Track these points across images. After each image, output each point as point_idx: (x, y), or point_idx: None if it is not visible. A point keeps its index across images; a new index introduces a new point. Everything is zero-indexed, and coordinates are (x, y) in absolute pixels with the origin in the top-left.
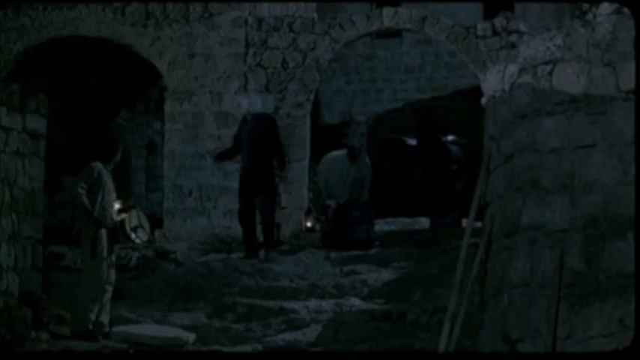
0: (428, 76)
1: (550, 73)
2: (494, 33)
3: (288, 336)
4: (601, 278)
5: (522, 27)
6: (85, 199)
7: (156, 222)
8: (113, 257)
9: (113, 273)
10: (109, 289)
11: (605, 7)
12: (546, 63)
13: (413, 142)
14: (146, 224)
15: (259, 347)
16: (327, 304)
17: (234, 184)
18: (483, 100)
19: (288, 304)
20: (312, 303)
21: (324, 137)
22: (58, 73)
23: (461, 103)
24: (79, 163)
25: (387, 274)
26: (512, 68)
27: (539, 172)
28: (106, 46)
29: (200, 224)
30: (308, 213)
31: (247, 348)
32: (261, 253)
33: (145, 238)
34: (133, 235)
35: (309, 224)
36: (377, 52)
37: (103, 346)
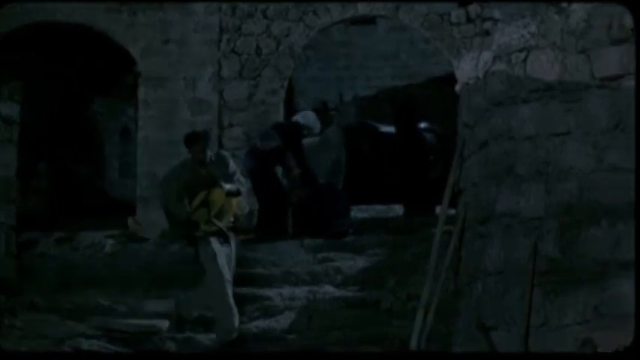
0: (403, 63)
1: (524, 61)
2: (469, 20)
3: (261, 323)
4: (576, 266)
5: (497, 14)
6: None
7: (129, 209)
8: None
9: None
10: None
11: None
12: (520, 50)
13: (387, 128)
14: None
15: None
16: (301, 292)
17: None
18: (458, 87)
19: (262, 292)
20: (286, 290)
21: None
22: (32, 60)
23: (435, 90)
24: (53, 150)
25: (361, 262)
26: (487, 55)
27: (514, 159)
28: (81, 32)
29: None
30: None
31: None
32: None
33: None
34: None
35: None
36: (352, 39)
37: (78, 333)
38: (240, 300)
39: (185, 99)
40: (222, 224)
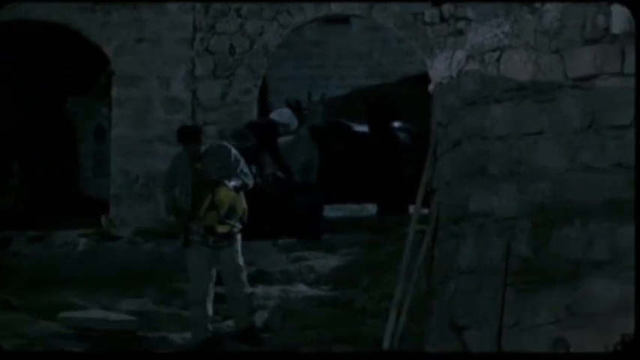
0: (376, 63)
1: (498, 60)
2: (442, 19)
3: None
4: (548, 265)
5: (470, 14)
6: None
7: (103, 207)
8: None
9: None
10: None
11: None
12: (494, 50)
13: (360, 128)
14: None
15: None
16: (275, 291)
17: None
18: (431, 87)
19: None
20: (260, 289)
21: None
22: (6, 59)
23: (409, 89)
24: (27, 149)
25: (334, 261)
26: (460, 55)
27: (487, 158)
28: (55, 31)
29: (147, 209)
30: None
31: None
32: None
33: None
34: None
35: None
36: (325, 38)
37: (51, 332)
38: (214, 299)
39: (159, 98)
40: (234, 223)
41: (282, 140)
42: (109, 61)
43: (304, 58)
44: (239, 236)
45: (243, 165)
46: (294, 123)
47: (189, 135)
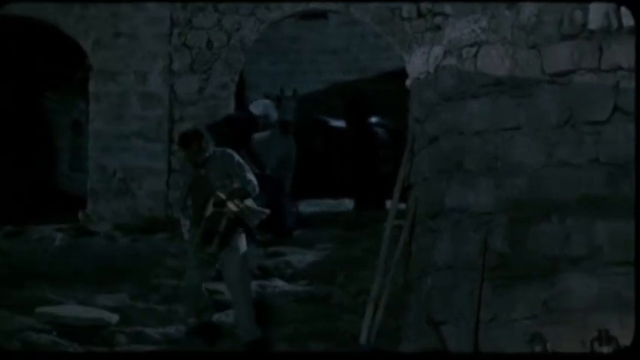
0: (354, 58)
1: (475, 56)
2: (420, 15)
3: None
4: (525, 261)
5: (448, 9)
6: None
7: (80, 202)
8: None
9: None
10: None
11: None
12: (471, 45)
13: (338, 123)
14: None
15: (182, 328)
16: (252, 286)
17: (159, 165)
18: (408, 82)
19: (212, 285)
20: None
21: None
22: None
23: (387, 85)
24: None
25: (311, 256)
26: (438, 50)
27: (464, 154)
28: (32, 25)
29: (124, 205)
30: None
31: (171, 330)
32: None
33: None
34: None
35: None
36: (302, 34)
37: (27, 327)
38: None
39: (136, 93)
40: (216, 242)
41: (259, 135)
42: (86, 55)
43: (281, 53)
44: (242, 241)
45: (247, 171)
46: (273, 115)
47: (188, 139)
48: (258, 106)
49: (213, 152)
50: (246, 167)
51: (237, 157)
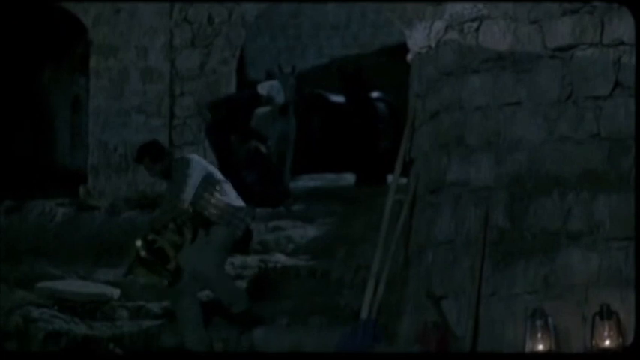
0: (354, 34)
1: (476, 30)
2: None
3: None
4: (526, 236)
5: None
6: None
7: (81, 179)
8: None
9: None
10: None
11: None
12: (473, 20)
13: (338, 98)
14: None
15: None
16: (252, 260)
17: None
18: (409, 57)
19: None
20: (237, 259)
21: None
22: None
23: (387, 60)
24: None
25: (312, 231)
26: (439, 25)
27: (465, 129)
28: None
29: (125, 180)
30: None
31: None
32: None
33: None
34: None
35: None
36: (302, 9)
37: (28, 302)
38: None
39: (136, 68)
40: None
41: (259, 110)
42: (87, 30)
43: (281, 29)
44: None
45: (182, 184)
46: (278, 98)
47: (139, 153)
48: (264, 87)
49: (175, 161)
50: (188, 180)
51: (186, 167)
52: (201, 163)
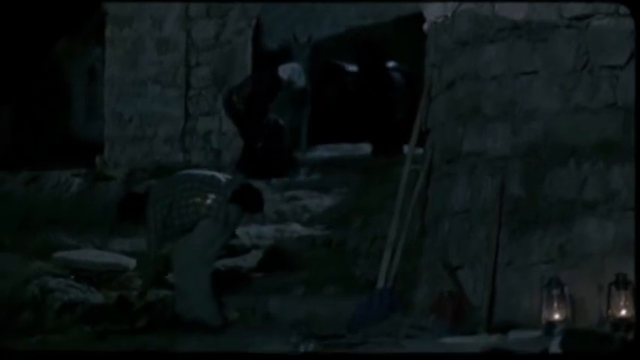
0: (370, 3)
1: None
2: None
3: (229, 261)
4: (542, 205)
5: None
6: None
7: (96, 149)
8: None
9: None
10: None
11: None
12: None
13: (352, 68)
14: None
15: None
16: (268, 230)
17: (175, 111)
18: (425, 27)
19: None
20: (253, 229)
21: (266, 64)
22: None
23: (403, 29)
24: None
25: (328, 201)
26: None
27: (480, 99)
28: None
29: (140, 151)
30: None
31: None
32: None
33: None
34: None
35: None
36: None
37: (44, 272)
38: None
39: (152, 38)
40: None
41: None
42: (102, 0)
43: None
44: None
45: (147, 240)
46: (300, 82)
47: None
48: (285, 70)
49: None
50: (150, 236)
51: (152, 202)
52: (159, 203)
